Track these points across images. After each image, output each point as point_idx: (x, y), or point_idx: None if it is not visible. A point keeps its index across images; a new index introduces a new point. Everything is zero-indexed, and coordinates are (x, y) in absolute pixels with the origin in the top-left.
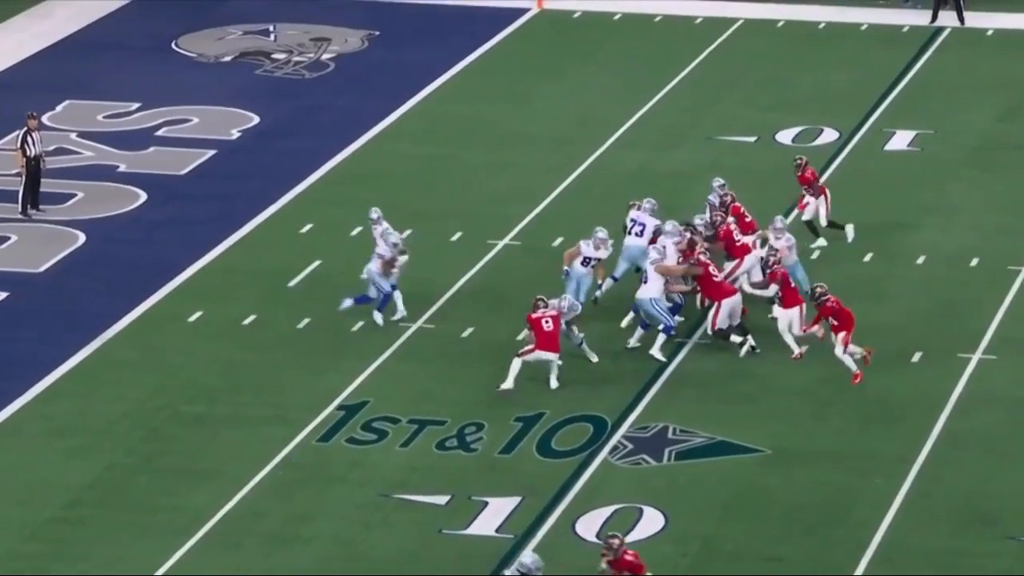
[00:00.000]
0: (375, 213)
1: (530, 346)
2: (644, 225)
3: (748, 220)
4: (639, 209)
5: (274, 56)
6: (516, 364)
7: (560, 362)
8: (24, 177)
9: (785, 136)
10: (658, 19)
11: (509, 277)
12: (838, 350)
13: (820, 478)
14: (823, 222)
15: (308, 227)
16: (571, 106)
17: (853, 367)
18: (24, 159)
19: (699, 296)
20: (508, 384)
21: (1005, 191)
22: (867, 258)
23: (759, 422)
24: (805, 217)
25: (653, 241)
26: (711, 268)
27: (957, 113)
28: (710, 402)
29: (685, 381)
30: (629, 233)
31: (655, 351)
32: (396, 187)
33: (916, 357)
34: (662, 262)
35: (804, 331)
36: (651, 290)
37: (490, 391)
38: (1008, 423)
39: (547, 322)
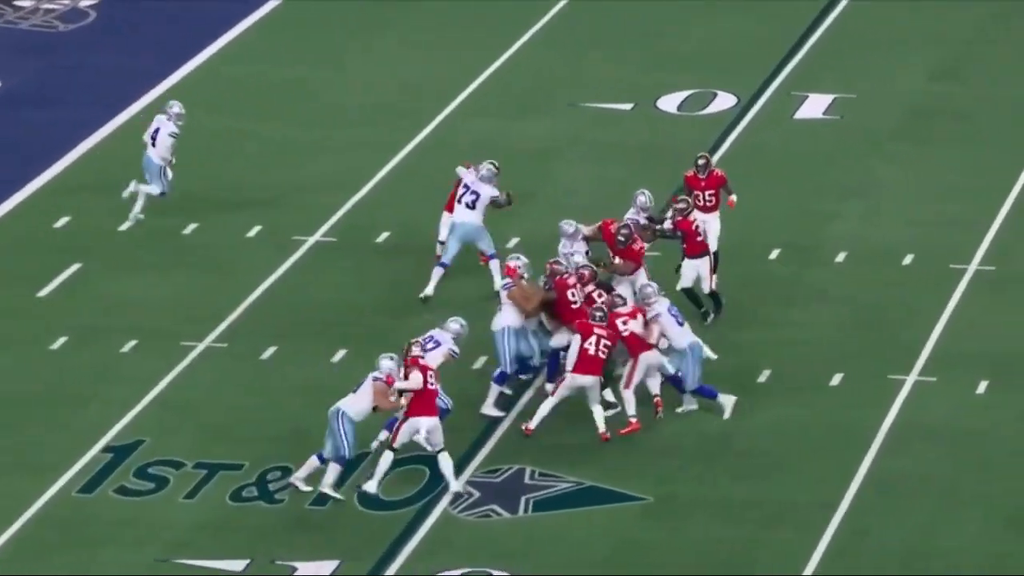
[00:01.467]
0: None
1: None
2: (478, 195)
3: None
4: (473, 173)
5: (17, 3)
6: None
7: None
8: None
9: (669, 103)
10: None
11: (322, 283)
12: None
13: (716, 532)
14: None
15: (64, 221)
16: (397, 68)
17: (631, 410)
18: None
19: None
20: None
21: (943, 170)
22: (773, 255)
23: (640, 463)
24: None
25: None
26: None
27: (883, 73)
28: (578, 438)
29: None
30: (459, 202)
31: (487, 408)
32: (177, 169)
33: (836, 379)
34: (513, 288)
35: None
36: (504, 319)
37: (298, 425)
38: (949, 460)
39: (432, 381)
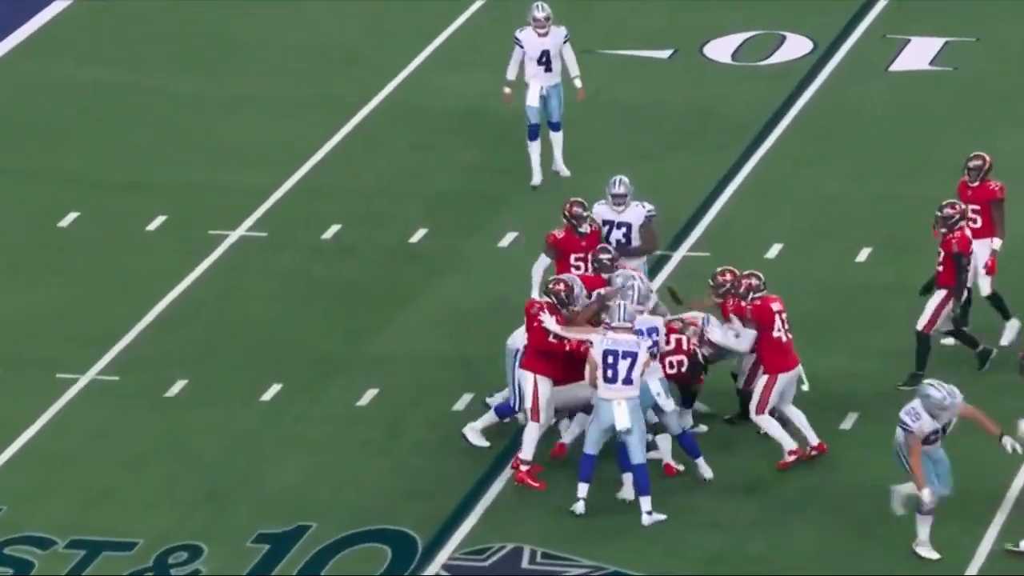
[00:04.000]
0: None
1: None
2: (629, 226)
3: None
4: (617, 200)
5: None
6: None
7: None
8: None
9: (720, 49)
10: None
11: (247, 294)
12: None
13: None
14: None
15: None
16: (354, 8)
17: (789, 443)
18: None
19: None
20: None
21: None
22: (863, 255)
23: (681, 537)
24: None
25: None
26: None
27: (1013, 9)
28: (598, 501)
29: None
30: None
31: (471, 433)
32: (52, 137)
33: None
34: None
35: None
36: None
37: (215, 488)
38: None
39: None
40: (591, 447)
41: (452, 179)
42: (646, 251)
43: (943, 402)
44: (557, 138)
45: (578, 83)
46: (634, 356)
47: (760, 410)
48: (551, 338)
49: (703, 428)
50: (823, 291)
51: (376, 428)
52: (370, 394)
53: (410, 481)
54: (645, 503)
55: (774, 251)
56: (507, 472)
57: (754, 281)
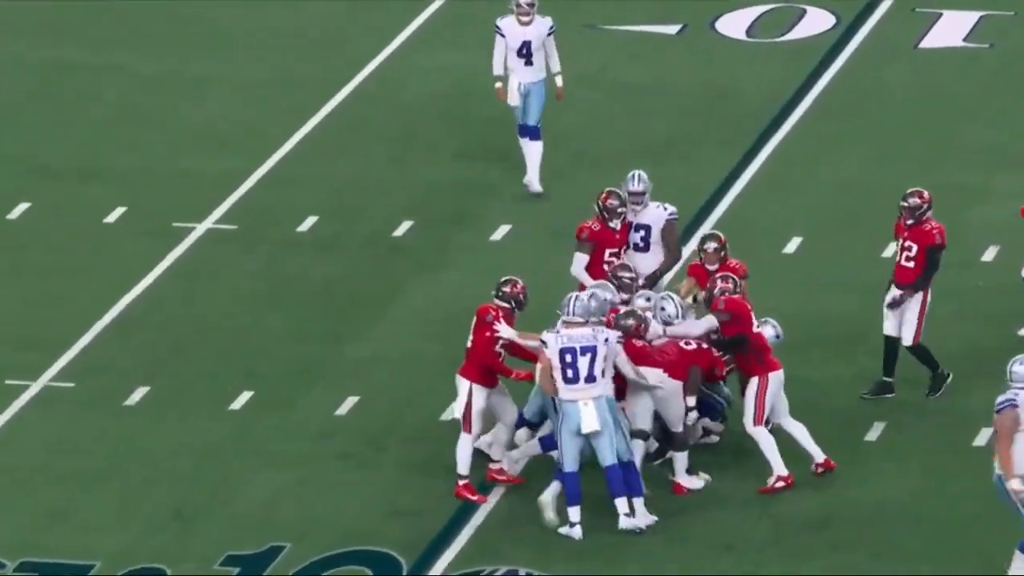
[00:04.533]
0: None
1: None
2: (648, 229)
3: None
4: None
5: None
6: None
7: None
8: None
9: (733, 24)
10: None
11: (215, 292)
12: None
13: None
14: None
15: None
16: None
17: (781, 469)
18: None
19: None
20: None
21: None
22: (889, 251)
23: (685, 560)
24: None
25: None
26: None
27: None
28: (591, 527)
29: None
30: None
31: (514, 459)
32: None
33: (981, 438)
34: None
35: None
36: None
37: (181, 505)
38: None
39: None
40: (570, 463)
41: (439, 167)
42: (671, 265)
43: None
44: (533, 148)
45: (559, 81)
46: (593, 350)
47: (758, 420)
48: (498, 346)
49: (714, 439)
50: (847, 288)
51: (357, 440)
52: (350, 402)
53: (394, 498)
54: (621, 505)
55: (793, 245)
56: (500, 488)
57: (728, 285)
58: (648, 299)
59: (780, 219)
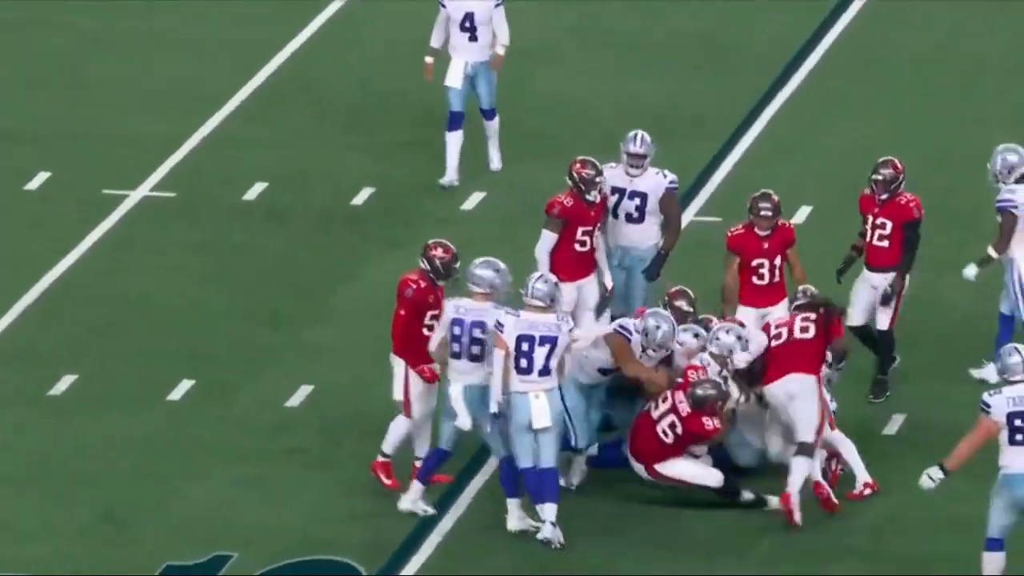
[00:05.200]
0: None
1: None
2: (645, 198)
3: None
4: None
5: None
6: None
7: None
8: None
9: None
10: None
11: (151, 268)
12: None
13: None
14: None
15: None
16: None
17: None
18: None
19: None
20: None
21: None
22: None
23: (675, 567)
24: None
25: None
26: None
27: None
28: (572, 530)
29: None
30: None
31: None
32: None
33: None
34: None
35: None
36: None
37: (112, 508)
38: None
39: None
40: (524, 459)
41: (402, 126)
42: (674, 241)
43: None
44: (491, 127)
45: (500, 50)
46: (553, 342)
47: (825, 425)
48: (427, 319)
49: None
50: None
51: (310, 435)
52: (303, 392)
53: (352, 500)
54: (550, 512)
55: (802, 215)
56: (470, 489)
57: (683, 305)
58: (697, 335)
59: (787, 185)
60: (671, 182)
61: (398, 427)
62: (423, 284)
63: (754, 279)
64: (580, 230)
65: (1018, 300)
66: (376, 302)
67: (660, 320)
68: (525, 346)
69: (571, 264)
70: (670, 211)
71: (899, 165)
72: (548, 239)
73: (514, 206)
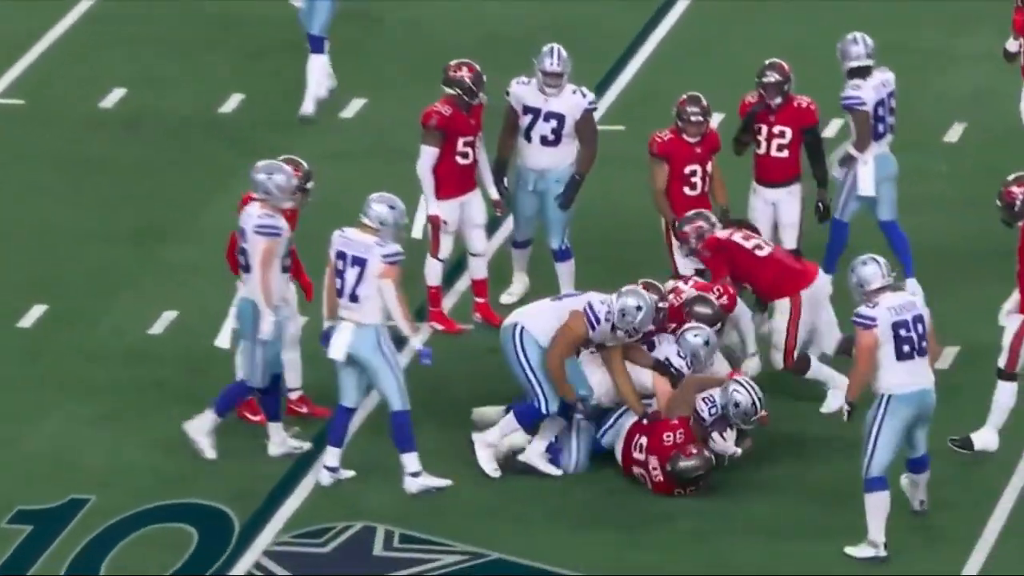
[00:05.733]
0: None
1: None
2: (562, 119)
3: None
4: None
5: None
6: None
7: None
8: None
9: None
10: None
11: (0, 178)
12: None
13: None
14: None
15: None
16: None
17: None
18: None
19: None
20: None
21: None
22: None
23: (585, 520)
24: None
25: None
26: None
27: None
28: (465, 481)
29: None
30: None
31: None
32: None
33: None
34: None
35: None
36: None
37: None
38: None
39: None
40: (344, 397)
41: (272, 24)
42: (590, 165)
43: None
44: (315, 62)
45: None
46: (363, 264)
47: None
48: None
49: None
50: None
51: (174, 364)
52: (167, 318)
53: (222, 437)
54: (408, 463)
55: (713, 124)
56: (354, 429)
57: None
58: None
59: (699, 89)
60: (590, 102)
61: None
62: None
63: (686, 189)
64: (461, 141)
65: (844, 202)
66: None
67: (639, 299)
68: (340, 264)
69: (453, 179)
70: (587, 133)
71: (785, 67)
72: (428, 154)
73: (408, 113)
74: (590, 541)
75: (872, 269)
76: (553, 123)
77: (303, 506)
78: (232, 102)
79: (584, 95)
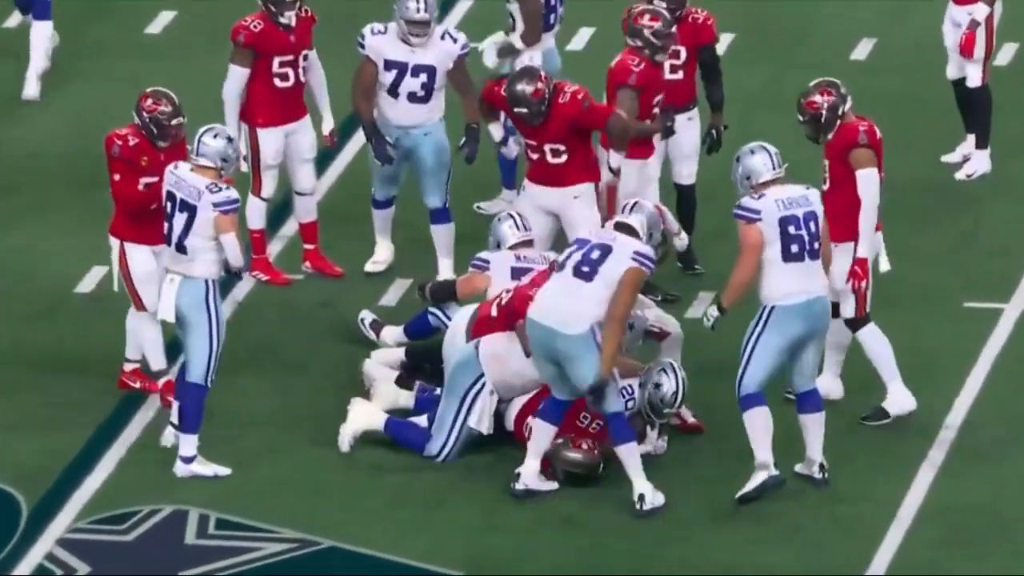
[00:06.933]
0: None
1: None
2: (432, 72)
3: None
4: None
5: None
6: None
7: None
8: None
9: None
10: None
11: None
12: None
13: None
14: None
15: None
16: None
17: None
18: None
19: None
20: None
21: None
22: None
23: (426, 502)
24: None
25: None
26: None
27: None
28: (300, 458)
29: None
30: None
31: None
32: None
33: None
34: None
35: None
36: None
37: None
38: None
39: None
40: (190, 371)
41: None
42: (477, 116)
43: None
44: (37, 31)
45: None
46: (193, 210)
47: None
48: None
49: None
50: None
51: None
52: None
53: (8, 406)
54: (186, 444)
55: (581, 40)
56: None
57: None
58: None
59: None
60: (463, 47)
61: (136, 328)
62: (134, 140)
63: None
64: (277, 61)
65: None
66: (42, 141)
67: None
68: (169, 206)
69: (271, 105)
70: (461, 80)
71: None
72: (236, 75)
73: (220, 31)
74: (437, 525)
75: (761, 159)
76: (423, 77)
77: (103, 487)
78: (16, 17)
79: (455, 39)
